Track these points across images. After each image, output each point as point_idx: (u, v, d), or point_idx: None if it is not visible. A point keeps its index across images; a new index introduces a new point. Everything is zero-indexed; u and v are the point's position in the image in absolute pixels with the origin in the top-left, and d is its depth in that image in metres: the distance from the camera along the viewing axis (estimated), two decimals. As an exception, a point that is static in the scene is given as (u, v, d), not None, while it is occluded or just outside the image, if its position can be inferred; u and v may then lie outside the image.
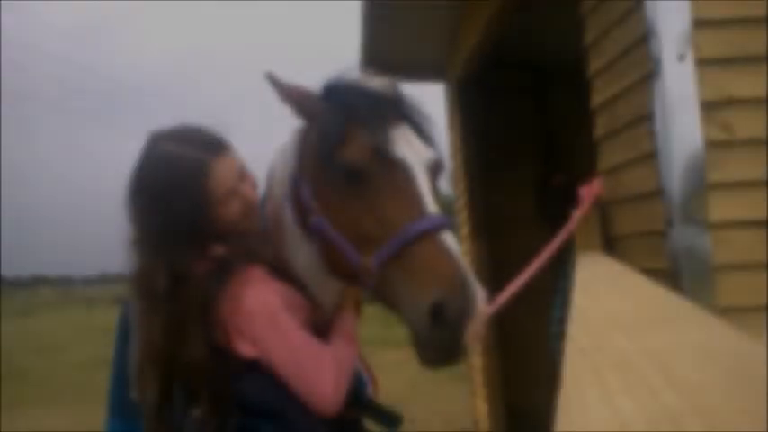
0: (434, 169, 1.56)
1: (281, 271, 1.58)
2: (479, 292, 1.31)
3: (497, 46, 4.17)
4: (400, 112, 1.56)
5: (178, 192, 1.44)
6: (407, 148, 1.50)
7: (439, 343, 1.29)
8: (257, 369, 1.39)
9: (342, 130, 1.48)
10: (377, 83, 1.57)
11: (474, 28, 4.05)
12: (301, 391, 1.40)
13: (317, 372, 1.41)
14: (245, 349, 1.39)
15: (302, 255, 1.62)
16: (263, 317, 1.40)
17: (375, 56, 4.93)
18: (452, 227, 1.43)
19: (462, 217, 5.08)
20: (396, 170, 1.46)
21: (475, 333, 1.30)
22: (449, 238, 1.38)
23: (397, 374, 10.29)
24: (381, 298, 1.46)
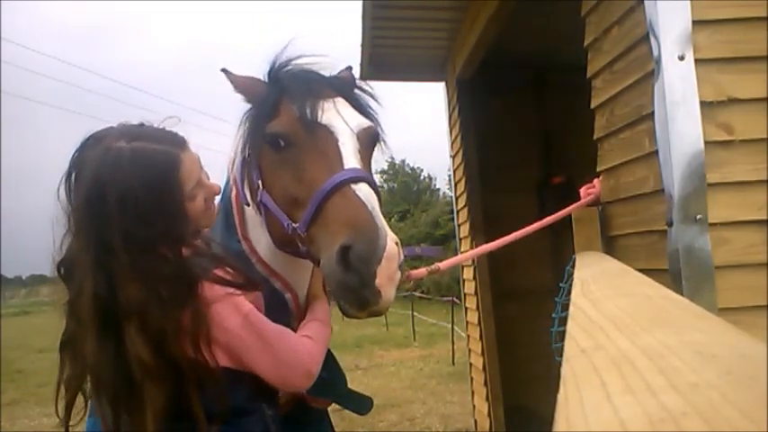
0: (368, 136, 1.60)
1: (245, 263, 1.60)
2: (390, 237, 1.32)
3: (497, 46, 4.17)
4: (333, 86, 1.63)
5: (152, 189, 1.32)
6: (334, 115, 1.55)
7: (350, 287, 1.29)
8: (225, 376, 1.36)
9: (274, 105, 1.56)
10: (313, 62, 1.65)
11: (474, 28, 4.05)
12: (281, 381, 1.43)
13: (295, 356, 1.42)
14: (218, 358, 1.35)
15: (263, 237, 1.65)
16: (236, 322, 1.36)
17: (375, 56, 4.93)
18: (371, 181, 1.45)
19: (462, 217, 5.08)
20: (318, 134, 1.51)
21: (387, 276, 1.29)
22: (362, 188, 1.40)
23: (397, 374, 10.29)
24: (316, 263, 1.49)
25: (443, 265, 1.65)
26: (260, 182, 1.57)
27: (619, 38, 1.98)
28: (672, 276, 1.69)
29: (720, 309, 1.62)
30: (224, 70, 1.64)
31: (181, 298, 1.29)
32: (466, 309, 5.34)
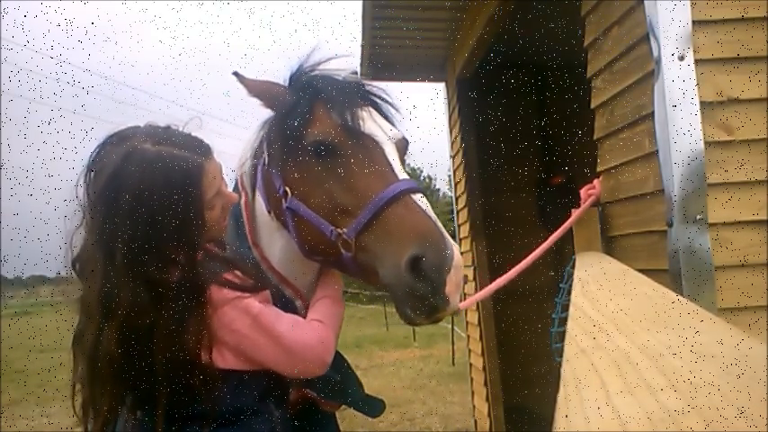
0: (400, 146, 1.62)
1: (256, 268, 1.59)
2: (455, 246, 1.35)
3: (497, 46, 4.17)
4: (363, 93, 1.63)
5: (171, 194, 1.31)
6: (374, 124, 1.56)
7: (421, 295, 1.31)
8: (231, 378, 1.36)
9: (309, 111, 1.54)
10: (338, 68, 1.65)
11: (474, 28, 4.05)
12: (296, 374, 1.43)
13: (308, 348, 1.43)
14: (225, 360, 1.35)
15: (277, 245, 1.64)
16: (245, 323, 1.36)
17: (375, 56, 4.93)
18: (423, 191, 1.48)
19: (462, 217, 5.08)
20: (365, 144, 1.51)
21: (456, 284, 1.32)
22: (421, 200, 1.42)
23: (397, 375, 10.30)
24: (359, 269, 1.50)
25: (464, 305, 1.65)
26: (286, 189, 1.54)
27: (619, 38, 1.98)
28: (672, 276, 1.69)
29: (720, 309, 1.62)
30: (236, 74, 1.61)
31: (184, 302, 1.29)
32: (466, 309, 5.34)
